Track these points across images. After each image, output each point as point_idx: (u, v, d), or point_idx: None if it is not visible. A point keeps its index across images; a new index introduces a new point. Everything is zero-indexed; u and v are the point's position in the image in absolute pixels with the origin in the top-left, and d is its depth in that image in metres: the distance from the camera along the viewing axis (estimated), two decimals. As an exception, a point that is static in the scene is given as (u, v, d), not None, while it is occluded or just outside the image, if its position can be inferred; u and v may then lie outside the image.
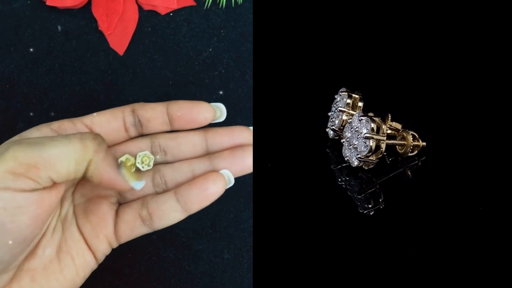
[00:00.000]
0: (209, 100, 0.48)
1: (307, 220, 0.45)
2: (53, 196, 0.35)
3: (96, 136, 0.36)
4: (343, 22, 0.56)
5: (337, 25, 0.56)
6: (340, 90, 0.49)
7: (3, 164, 0.33)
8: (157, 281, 0.48)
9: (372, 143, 0.44)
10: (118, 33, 0.48)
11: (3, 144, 0.36)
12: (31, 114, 0.48)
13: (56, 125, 0.40)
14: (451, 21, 0.56)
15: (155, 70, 0.48)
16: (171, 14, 0.49)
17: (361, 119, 0.45)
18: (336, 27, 0.56)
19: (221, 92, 0.48)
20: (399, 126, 0.47)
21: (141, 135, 0.42)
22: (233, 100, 0.48)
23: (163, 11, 0.48)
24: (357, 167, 0.46)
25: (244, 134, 0.41)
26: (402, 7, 0.57)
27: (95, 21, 0.48)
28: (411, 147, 0.47)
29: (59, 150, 0.34)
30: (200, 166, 0.41)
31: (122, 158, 0.40)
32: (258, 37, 0.50)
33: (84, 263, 0.39)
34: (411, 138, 0.47)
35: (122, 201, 0.41)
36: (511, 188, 0.46)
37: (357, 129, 0.46)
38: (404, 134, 0.47)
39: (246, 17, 0.49)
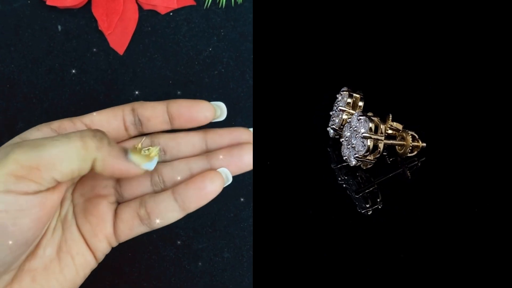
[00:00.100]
0: (209, 99, 0.48)
1: (307, 220, 0.45)
2: (55, 197, 0.35)
3: (95, 133, 0.36)
4: (343, 21, 0.56)
5: (337, 24, 0.56)
6: (341, 89, 0.49)
7: (5, 167, 0.33)
8: (157, 280, 0.48)
9: (369, 143, 0.44)
10: (118, 33, 0.48)
11: (3, 147, 0.36)
12: (31, 114, 0.48)
13: (56, 124, 0.40)
14: (454, 22, 0.56)
15: (155, 70, 0.48)
16: (171, 14, 0.49)
17: (360, 119, 0.45)
18: (336, 27, 0.56)
19: (221, 92, 0.48)
20: (400, 126, 0.47)
21: (141, 134, 0.42)
22: (233, 100, 0.48)
23: (163, 11, 0.48)
24: (355, 166, 0.46)
25: (244, 136, 0.41)
26: (404, 7, 0.57)
27: (95, 20, 0.48)
28: (410, 148, 0.47)
29: (59, 150, 0.34)
30: (198, 164, 0.41)
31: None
32: (258, 37, 0.50)
33: (84, 263, 0.39)
34: (411, 139, 0.47)
35: (120, 200, 0.41)
36: (510, 189, 0.46)
37: (355, 128, 0.46)
38: (404, 134, 0.47)
39: (246, 16, 0.49)
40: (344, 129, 0.47)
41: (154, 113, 0.41)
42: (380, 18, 0.56)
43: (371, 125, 0.45)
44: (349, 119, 0.47)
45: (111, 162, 0.36)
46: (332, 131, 0.49)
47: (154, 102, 0.41)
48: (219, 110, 0.41)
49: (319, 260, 0.43)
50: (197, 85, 0.48)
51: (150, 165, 0.38)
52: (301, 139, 0.49)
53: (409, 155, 0.47)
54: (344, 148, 0.47)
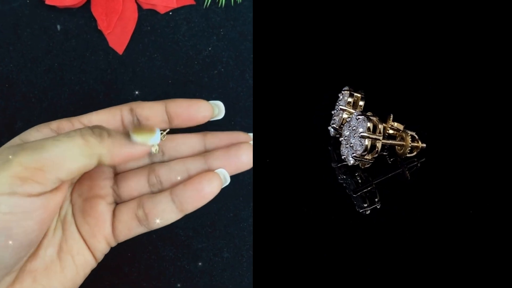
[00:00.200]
0: (209, 99, 0.48)
1: (307, 220, 0.45)
2: (58, 198, 0.35)
3: (93, 129, 0.36)
4: (344, 21, 0.56)
5: (338, 24, 0.56)
6: (343, 89, 0.49)
7: (9, 170, 0.33)
8: (156, 280, 0.48)
9: (367, 142, 0.44)
10: (118, 32, 0.48)
11: (4, 148, 0.36)
12: (31, 113, 0.48)
13: (55, 125, 0.40)
14: (456, 22, 0.56)
15: (154, 69, 0.48)
16: (170, 13, 0.48)
17: (359, 118, 0.45)
18: (337, 26, 0.56)
19: (220, 91, 0.48)
20: (401, 126, 0.47)
21: None
22: (233, 99, 0.48)
23: (162, 10, 0.48)
24: (354, 166, 0.46)
25: (242, 138, 0.41)
26: (405, 7, 0.57)
27: (95, 20, 0.48)
28: (410, 148, 0.47)
29: (62, 149, 0.34)
30: (195, 165, 0.41)
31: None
32: (257, 36, 0.50)
33: (84, 263, 0.39)
34: (410, 139, 0.47)
35: (118, 201, 0.41)
36: (509, 190, 0.46)
37: (354, 128, 0.46)
38: (403, 135, 0.47)
39: (245, 16, 0.49)
40: (343, 128, 0.47)
41: (153, 112, 0.40)
42: (382, 17, 0.56)
43: (369, 124, 0.45)
44: (349, 118, 0.47)
45: (117, 152, 0.36)
46: (332, 130, 0.49)
47: (152, 102, 0.41)
48: (217, 109, 0.41)
49: (319, 260, 0.43)
50: (197, 84, 0.48)
51: (155, 139, 0.37)
52: (301, 139, 0.49)
53: (408, 155, 0.47)
54: (343, 147, 0.47)
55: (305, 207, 0.45)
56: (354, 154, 0.45)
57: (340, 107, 0.48)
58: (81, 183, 0.40)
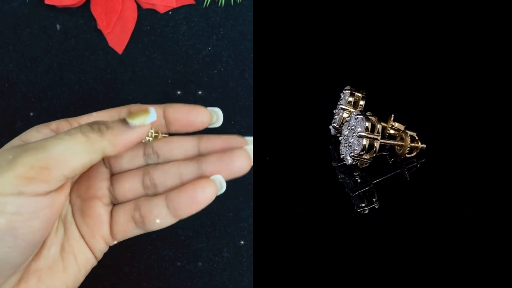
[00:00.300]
0: (209, 98, 0.48)
1: (307, 219, 0.45)
2: (62, 197, 0.36)
3: (91, 124, 0.36)
4: (344, 20, 0.56)
5: (338, 23, 0.56)
6: (344, 88, 0.49)
7: (14, 170, 0.33)
8: (156, 280, 0.48)
9: (365, 142, 0.44)
10: (117, 32, 0.48)
11: (5, 150, 0.36)
12: (30, 113, 0.48)
13: (54, 125, 0.40)
14: (458, 23, 0.56)
15: (154, 69, 0.48)
16: (170, 13, 0.48)
17: (357, 118, 0.45)
18: (337, 26, 0.56)
19: (220, 91, 0.48)
20: (402, 127, 0.47)
21: None
22: (232, 99, 0.48)
23: (162, 10, 0.48)
24: (353, 165, 0.46)
25: (238, 142, 0.40)
26: (406, 7, 0.57)
27: (94, 20, 0.48)
28: (409, 149, 0.46)
29: (65, 147, 0.34)
30: (188, 169, 0.40)
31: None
32: (257, 36, 0.50)
33: (86, 261, 0.40)
34: (409, 140, 0.46)
35: (115, 202, 0.41)
36: (509, 191, 0.46)
37: (353, 127, 0.46)
38: (403, 135, 0.47)
39: (245, 15, 0.49)
40: (343, 128, 0.47)
41: None
42: (383, 17, 0.56)
43: (367, 124, 0.45)
44: (349, 118, 0.47)
45: (119, 141, 0.36)
46: (333, 129, 0.49)
47: (150, 105, 0.41)
48: (215, 116, 0.41)
49: (319, 260, 0.43)
50: (197, 84, 0.48)
51: (152, 117, 0.37)
52: (301, 139, 0.49)
53: (407, 156, 0.47)
54: (342, 146, 0.47)
55: (303, 207, 0.45)
56: (352, 154, 0.45)
57: (341, 106, 0.48)
58: (79, 183, 0.40)
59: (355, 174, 0.47)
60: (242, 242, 0.48)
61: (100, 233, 0.40)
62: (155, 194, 0.40)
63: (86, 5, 0.48)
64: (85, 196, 0.40)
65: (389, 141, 0.47)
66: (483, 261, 0.43)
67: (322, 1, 0.57)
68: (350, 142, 0.46)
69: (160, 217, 0.39)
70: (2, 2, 0.48)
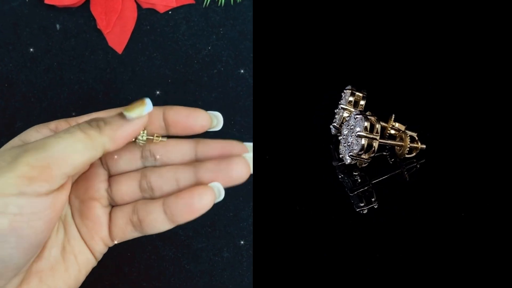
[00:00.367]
0: (208, 98, 0.48)
1: (307, 219, 0.45)
2: (63, 197, 0.36)
3: (89, 122, 0.36)
4: (345, 20, 0.56)
5: (338, 23, 0.56)
6: (345, 88, 0.49)
7: (16, 170, 0.33)
8: (156, 280, 0.48)
9: (364, 142, 0.44)
10: (117, 32, 0.48)
11: (5, 150, 0.36)
12: (30, 113, 0.48)
13: (53, 125, 0.40)
14: (459, 23, 0.55)
15: (154, 69, 0.48)
16: (170, 12, 0.48)
17: (356, 117, 0.45)
18: (337, 26, 0.56)
19: (220, 90, 0.48)
20: (402, 127, 0.47)
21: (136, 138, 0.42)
22: (232, 99, 0.48)
23: (162, 9, 0.48)
24: (352, 165, 0.46)
25: (236, 149, 0.40)
26: (406, 7, 0.57)
27: (94, 19, 0.48)
28: (408, 149, 0.46)
29: (65, 145, 0.35)
30: (185, 175, 0.40)
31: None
32: (257, 35, 0.50)
33: (86, 262, 0.40)
34: (409, 140, 0.46)
35: (113, 204, 0.41)
36: (509, 191, 0.46)
37: (352, 127, 0.46)
38: (403, 135, 0.47)
39: (245, 15, 0.48)
40: (342, 127, 0.47)
41: (150, 118, 0.40)
42: (384, 16, 0.56)
43: (366, 124, 0.45)
44: (348, 117, 0.47)
45: (118, 135, 0.36)
46: (333, 128, 0.49)
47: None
48: (215, 120, 0.41)
49: (319, 259, 0.43)
50: (196, 84, 0.48)
51: (149, 107, 0.37)
52: (301, 138, 0.49)
53: (407, 156, 0.47)
54: (341, 146, 0.47)
55: (303, 206, 0.45)
56: (351, 153, 0.45)
57: (341, 106, 0.48)
58: (78, 184, 0.40)
59: (354, 174, 0.47)
60: (242, 242, 0.48)
61: (99, 235, 0.40)
62: (152, 198, 0.40)
63: (86, 5, 0.48)
64: (84, 197, 0.40)
65: (388, 141, 0.47)
66: (483, 261, 0.43)
67: (322, 1, 0.57)
68: (349, 142, 0.46)
69: (157, 222, 0.39)
70: (2, 2, 0.48)
